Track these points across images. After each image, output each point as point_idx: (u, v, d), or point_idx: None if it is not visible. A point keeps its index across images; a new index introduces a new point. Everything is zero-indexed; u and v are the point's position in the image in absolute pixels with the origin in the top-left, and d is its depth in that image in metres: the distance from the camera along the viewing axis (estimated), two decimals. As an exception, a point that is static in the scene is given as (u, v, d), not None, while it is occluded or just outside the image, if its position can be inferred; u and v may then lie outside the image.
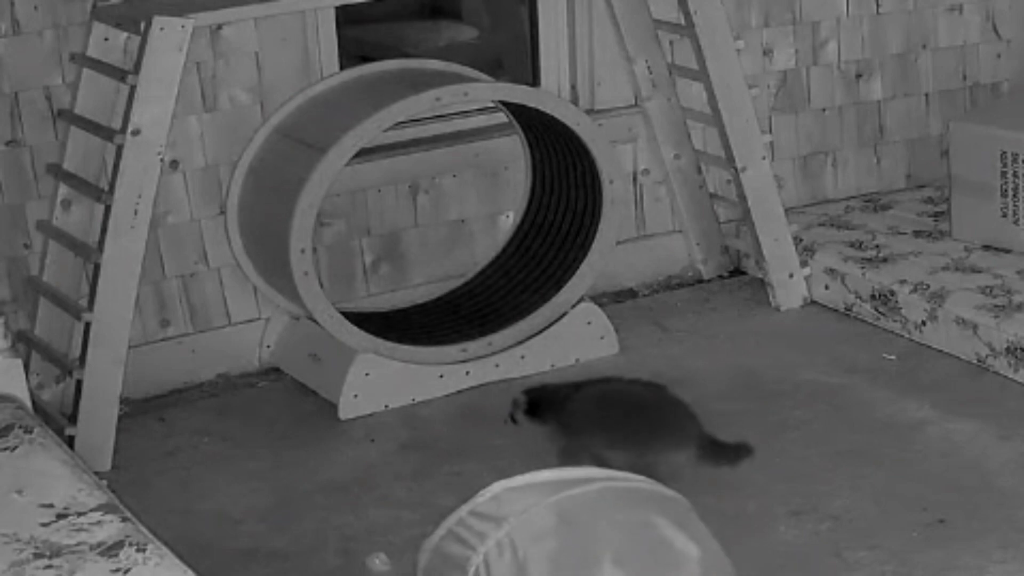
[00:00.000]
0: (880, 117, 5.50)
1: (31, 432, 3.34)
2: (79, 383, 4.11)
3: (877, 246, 5.01)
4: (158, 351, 4.54)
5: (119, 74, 4.10)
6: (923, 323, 4.65)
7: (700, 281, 5.23)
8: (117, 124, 4.10)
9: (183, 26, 3.97)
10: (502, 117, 4.76)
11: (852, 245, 5.02)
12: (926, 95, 5.56)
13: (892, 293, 4.74)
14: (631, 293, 5.16)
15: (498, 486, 2.83)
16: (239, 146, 4.48)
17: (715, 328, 4.90)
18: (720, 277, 5.25)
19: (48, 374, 4.35)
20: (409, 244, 4.83)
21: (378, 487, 4.02)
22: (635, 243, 5.16)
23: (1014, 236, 4.88)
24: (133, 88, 3.98)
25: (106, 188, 4.10)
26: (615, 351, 4.70)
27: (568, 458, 3.74)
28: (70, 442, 4.06)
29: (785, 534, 3.70)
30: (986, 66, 5.63)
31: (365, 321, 4.45)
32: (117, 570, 2.76)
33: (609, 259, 4.72)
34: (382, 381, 4.39)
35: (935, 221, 5.20)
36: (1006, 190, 4.85)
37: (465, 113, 4.87)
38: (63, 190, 4.26)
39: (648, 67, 5.00)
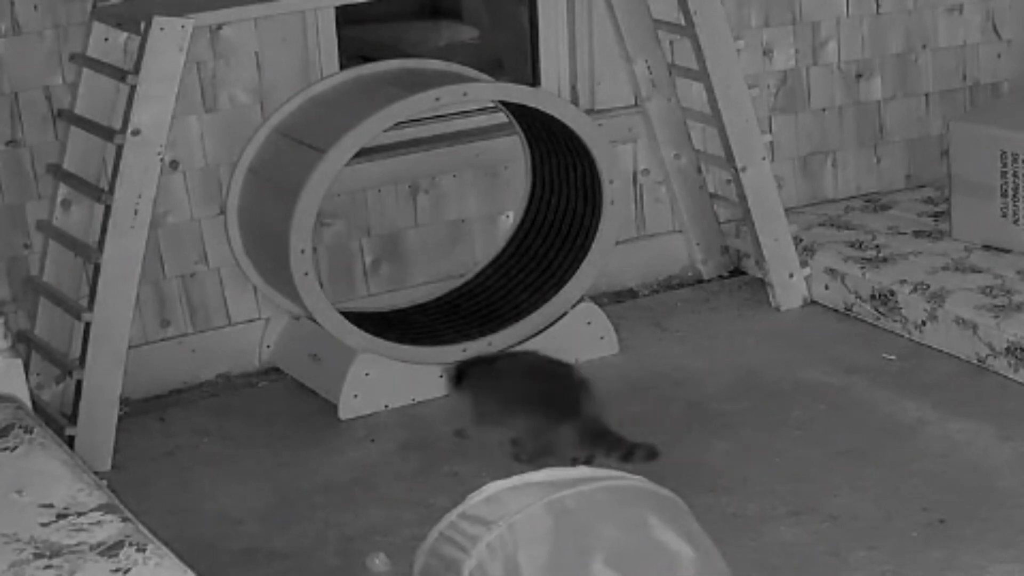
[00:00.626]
0: (880, 117, 5.50)
1: (31, 432, 3.34)
2: (79, 383, 4.11)
3: (877, 246, 5.01)
4: (158, 351, 4.54)
5: (119, 74, 4.10)
6: (923, 323, 4.65)
7: (700, 281, 5.23)
8: (117, 124, 4.10)
9: (183, 26, 3.98)
10: (502, 117, 4.76)
11: (852, 245, 5.02)
12: (926, 95, 5.56)
13: (892, 293, 4.74)
14: (631, 293, 5.16)
15: (492, 487, 2.83)
16: (239, 146, 4.48)
17: (715, 328, 4.90)
18: (720, 277, 5.25)
19: (48, 374, 4.35)
20: (409, 244, 4.83)
21: (378, 487, 4.02)
22: (635, 243, 5.16)
23: (1014, 236, 4.88)
24: (133, 88, 3.98)
25: (106, 188, 4.10)
26: (615, 351, 4.70)
27: (479, 423, 4.06)
28: (70, 442, 4.06)
29: (785, 534, 3.70)
30: (986, 66, 5.63)
31: (365, 321, 4.45)
32: (117, 570, 2.76)
33: (609, 259, 4.72)
34: (382, 381, 4.39)
35: (935, 221, 5.20)
36: (1006, 190, 4.85)
37: (465, 113, 4.87)
38: (63, 190, 4.26)
39: (648, 67, 5.00)
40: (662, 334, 4.86)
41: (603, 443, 3.94)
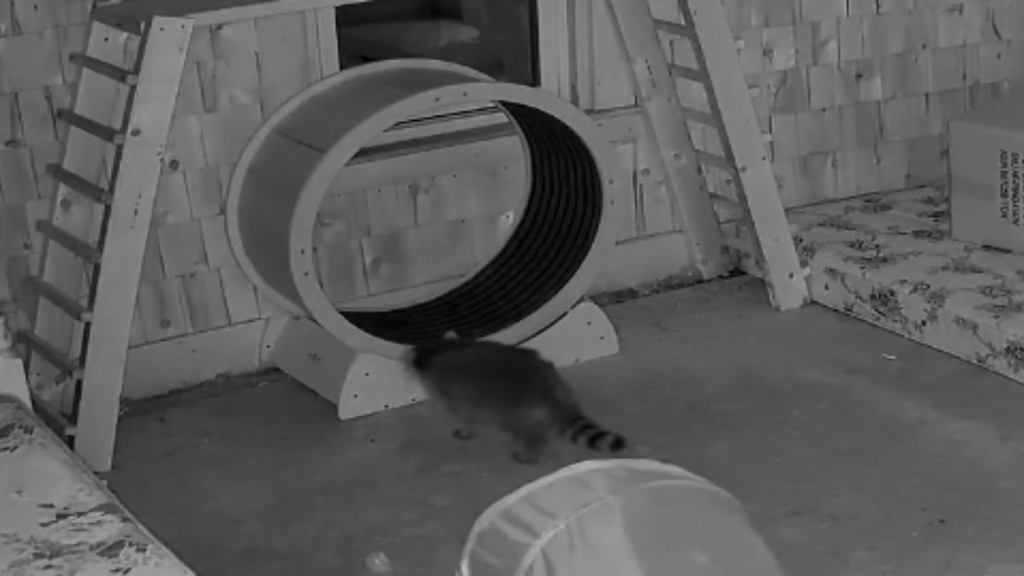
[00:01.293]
0: (880, 117, 5.50)
1: (31, 432, 3.34)
2: (79, 383, 4.11)
3: (877, 246, 5.01)
4: (158, 351, 4.54)
5: (119, 74, 4.10)
6: (923, 323, 4.65)
7: (700, 281, 5.23)
8: (117, 124, 4.10)
9: (183, 26, 3.98)
10: (502, 117, 4.76)
11: (852, 245, 5.02)
12: (926, 95, 5.56)
13: (892, 293, 4.74)
14: (631, 293, 5.16)
15: (570, 470, 2.80)
16: (239, 146, 4.48)
17: (715, 328, 4.90)
18: (720, 277, 5.25)
19: (48, 374, 4.36)
20: (409, 244, 4.83)
21: (378, 487, 4.02)
22: (635, 243, 5.16)
23: (1014, 236, 4.88)
24: (133, 88, 3.98)
25: (106, 188, 4.10)
26: (615, 351, 4.71)
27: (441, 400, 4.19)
28: (70, 442, 4.06)
29: (785, 534, 3.70)
30: (986, 66, 5.63)
31: (365, 321, 4.45)
32: (117, 570, 2.76)
33: (609, 259, 4.72)
34: (382, 381, 4.39)
35: (935, 221, 5.20)
36: (1006, 190, 4.85)
37: (465, 113, 4.87)
38: (63, 190, 4.26)
39: (648, 67, 5.00)
40: (662, 334, 4.86)
41: (572, 427, 3.99)
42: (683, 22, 4.79)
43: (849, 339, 4.76)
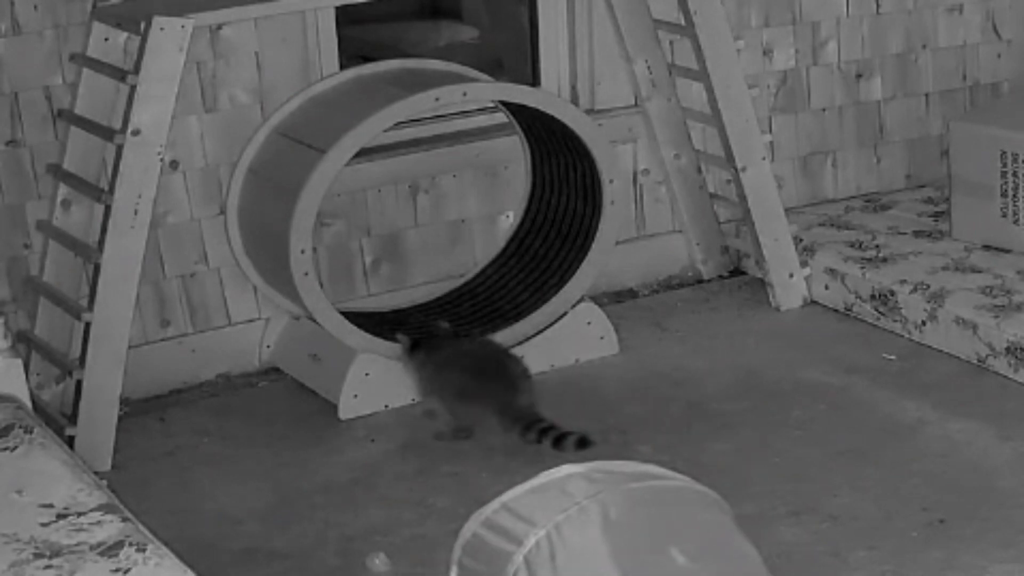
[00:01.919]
0: (880, 117, 5.50)
1: (31, 432, 3.34)
2: (79, 383, 4.11)
3: (877, 246, 5.01)
4: (158, 351, 4.54)
5: (119, 74, 4.10)
6: (923, 323, 4.65)
7: (700, 281, 5.23)
8: (117, 124, 4.10)
9: (183, 26, 3.98)
10: (502, 117, 4.76)
11: (852, 245, 5.02)
12: (926, 95, 5.56)
13: (892, 293, 4.74)
14: (631, 293, 5.16)
15: (560, 471, 2.81)
16: (239, 146, 4.48)
17: (715, 328, 4.90)
18: (720, 277, 5.25)
19: (48, 374, 4.35)
20: (409, 244, 4.83)
21: (378, 487, 4.02)
22: (635, 243, 5.16)
23: (1014, 236, 4.88)
24: (133, 88, 3.98)
25: (106, 188, 4.10)
26: (615, 351, 4.70)
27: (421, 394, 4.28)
28: (70, 442, 4.06)
29: (785, 534, 3.70)
30: (986, 66, 5.63)
31: (365, 321, 4.45)
32: (117, 570, 2.76)
33: (609, 259, 4.72)
34: (382, 381, 4.39)
35: (935, 221, 5.20)
36: (1006, 190, 4.85)
37: (465, 113, 4.87)
38: (63, 190, 4.26)
39: (648, 67, 5.00)
40: (662, 334, 4.86)
41: (535, 428, 4.04)
42: (683, 22, 4.79)
43: (849, 339, 4.76)
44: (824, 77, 5.37)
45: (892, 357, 4.62)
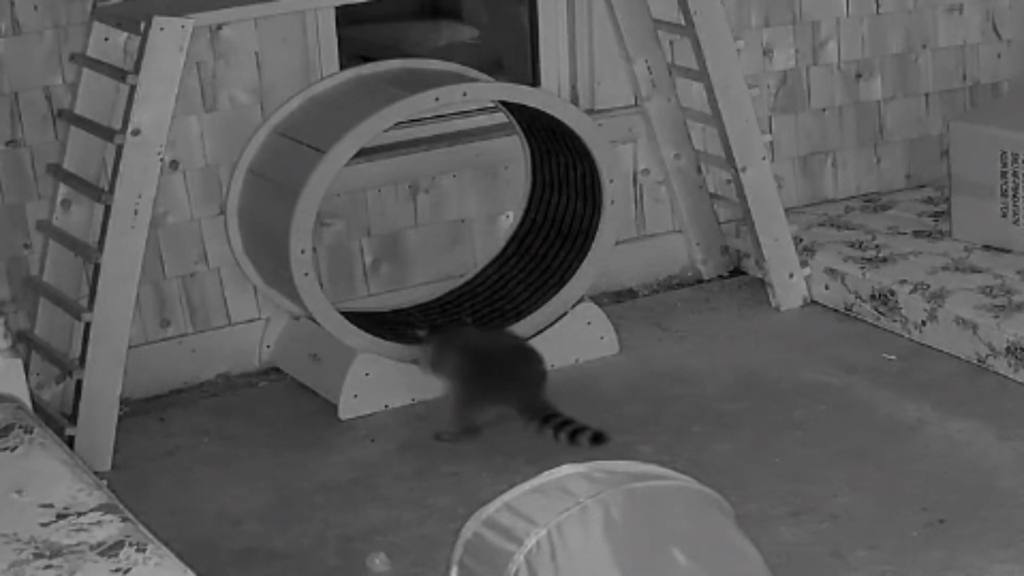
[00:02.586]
0: (880, 117, 5.50)
1: (31, 432, 3.34)
2: (79, 383, 4.11)
3: (877, 246, 5.01)
4: (158, 351, 4.54)
5: (119, 74, 4.10)
6: (923, 323, 4.65)
7: (700, 281, 5.23)
8: (117, 124, 4.10)
9: (183, 26, 3.98)
10: (502, 117, 4.76)
11: (852, 245, 5.02)
12: (926, 95, 5.56)
13: (892, 293, 4.74)
14: (631, 293, 5.16)
15: (559, 471, 2.81)
16: (239, 146, 4.48)
17: (715, 328, 4.90)
18: (720, 277, 5.25)
19: (48, 374, 4.35)
20: (409, 244, 4.83)
21: (378, 487, 4.02)
22: (635, 243, 5.16)
23: (1014, 236, 4.88)
24: (133, 88, 3.98)
25: (106, 188, 4.10)
26: (615, 351, 4.70)
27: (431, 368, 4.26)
28: (70, 442, 4.06)
29: (785, 534, 3.70)
30: (986, 66, 5.63)
31: (365, 321, 4.45)
32: (117, 570, 2.76)
33: (609, 259, 4.72)
34: (382, 381, 4.39)
35: (935, 221, 5.20)
36: (1006, 190, 4.85)
37: (465, 113, 4.87)
38: (63, 190, 4.26)
39: (648, 67, 5.00)
40: (662, 334, 4.86)
41: (552, 422, 4.07)
42: (683, 22, 4.79)
43: (849, 339, 4.76)
44: (824, 77, 5.37)
45: (892, 357, 4.62)
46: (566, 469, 2.79)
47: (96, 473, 3.33)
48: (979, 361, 4.49)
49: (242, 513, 3.92)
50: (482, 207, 4.91)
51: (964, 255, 4.89)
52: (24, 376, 3.71)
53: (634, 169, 5.13)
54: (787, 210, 5.03)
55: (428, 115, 4.70)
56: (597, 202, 4.61)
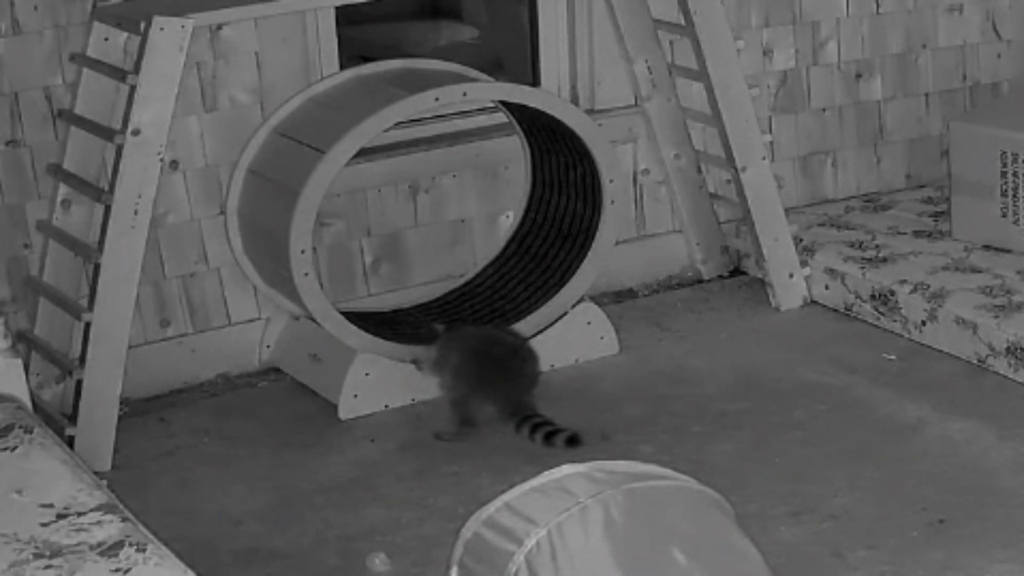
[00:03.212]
0: (880, 117, 5.50)
1: (31, 432, 3.34)
2: (79, 383, 4.11)
3: (877, 246, 5.01)
4: (158, 351, 4.54)
5: (119, 74, 4.10)
6: (923, 323, 4.65)
7: (700, 281, 5.23)
8: (117, 124, 4.10)
9: (183, 26, 3.98)
10: (502, 117, 4.76)
11: (852, 245, 5.02)
12: (926, 95, 5.56)
13: (892, 293, 4.74)
14: (631, 293, 5.16)
15: (557, 471, 2.81)
16: (239, 146, 4.48)
17: (715, 328, 4.90)
18: (720, 277, 5.25)
19: (48, 374, 4.36)
20: (409, 244, 4.83)
21: (378, 487, 4.02)
22: (635, 243, 5.16)
23: (1014, 236, 4.88)
24: (133, 88, 3.98)
25: (106, 188, 4.10)
26: (615, 351, 4.70)
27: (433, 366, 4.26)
28: (70, 442, 4.06)
29: (785, 534, 3.70)
30: (986, 66, 5.63)
31: (365, 321, 4.45)
32: (117, 570, 2.76)
33: (609, 259, 4.72)
34: (382, 381, 4.39)
35: (935, 221, 5.20)
36: (1006, 190, 4.85)
37: (465, 113, 4.87)
38: (63, 190, 4.26)
39: (648, 67, 5.00)
40: (662, 334, 4.86)
41: (528, 423, 4.08)
42: (683, 22, 4.79)
43: (849, 339, 4.76)
44: (824, 77, 5.37)
45: (892, 357, 4.62)
46: (566, 469, 2.79)
47: (96, 473, 3.33)
48: (979, 361, 4.49)
49: (242, 513, 3.92)
50: (482, 207, 4.91)
51: (964, 255, 4.89)
52: (24, 376, 3.71)
53: (634, 169, 5.13)
54: (787, 210, 5.03)
55: (428, 115, 4.70)
56: (597, 202, 4.61)
